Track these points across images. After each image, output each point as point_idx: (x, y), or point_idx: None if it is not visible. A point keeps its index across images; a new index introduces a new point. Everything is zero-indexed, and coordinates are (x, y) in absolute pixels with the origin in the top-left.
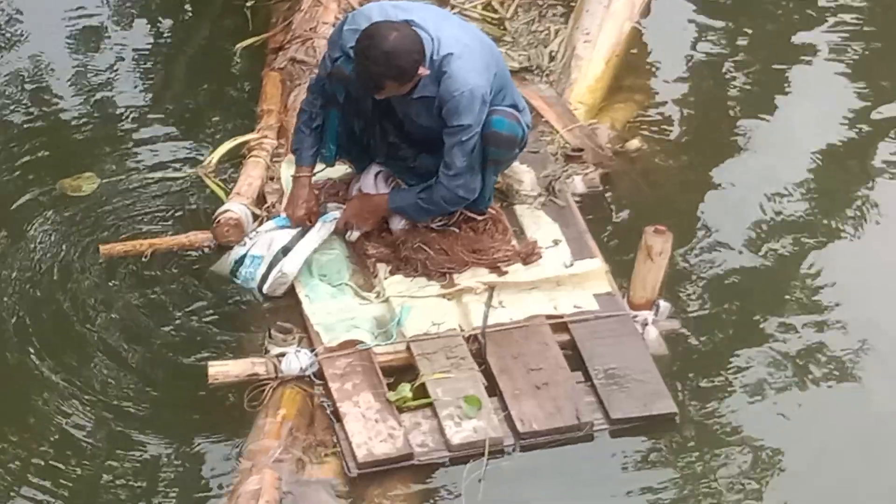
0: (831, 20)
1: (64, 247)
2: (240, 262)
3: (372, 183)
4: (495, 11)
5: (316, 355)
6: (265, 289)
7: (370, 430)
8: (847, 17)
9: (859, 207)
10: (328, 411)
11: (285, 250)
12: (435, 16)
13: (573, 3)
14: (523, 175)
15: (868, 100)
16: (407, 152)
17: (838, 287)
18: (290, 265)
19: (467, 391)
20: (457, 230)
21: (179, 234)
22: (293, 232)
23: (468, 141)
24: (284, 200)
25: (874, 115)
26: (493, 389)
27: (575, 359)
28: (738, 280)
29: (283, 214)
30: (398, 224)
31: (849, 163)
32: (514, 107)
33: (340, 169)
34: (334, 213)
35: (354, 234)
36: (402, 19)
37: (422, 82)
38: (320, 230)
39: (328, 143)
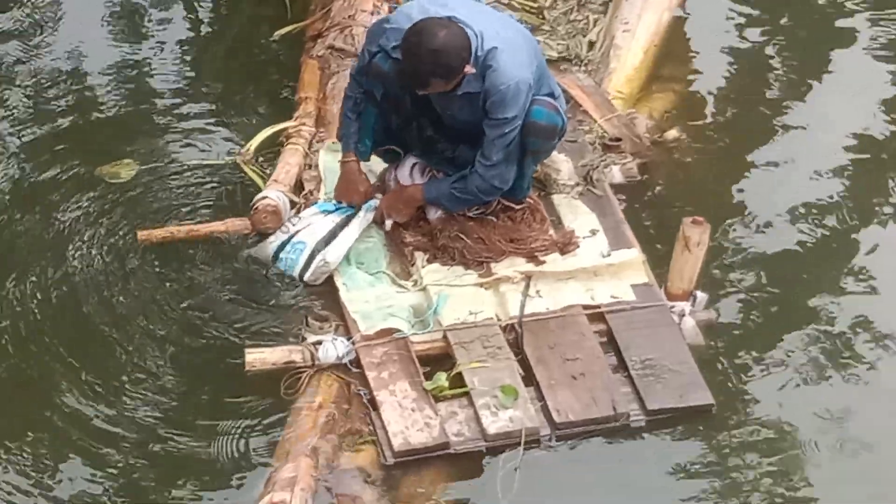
0: (872, 10)
1: (102, 232)
2: (281, 247)
3: (408, 174)
4: (534, 0)
5: (353, 343)
6: (307, 277)
7: (406, 419)
8: (888, 9)
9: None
10: (364, 399)
11: (328, 239)
12: (475, 11)
13: None
14: (561, 164)
15: None
16: (444, 146)
17: (880, 274)
18: (333, 254)
19: (504, 381)
20: (494, 219)
21: (217, 221)
22: (337, 219)
23: (510, 133)
24: (322, 188)
25: None
26: (529, 379)
27: (612, 349)
28: (777, 270)
29: (323, 200)
30: (435, 213)
31: (887, 151)
32: (551, 95)
33: (378, 162)
34: (374, 202)
35: (388, 224)
36: (443, 16)
37: (466, 79)
38: (362, 220)
39: (364, 139)
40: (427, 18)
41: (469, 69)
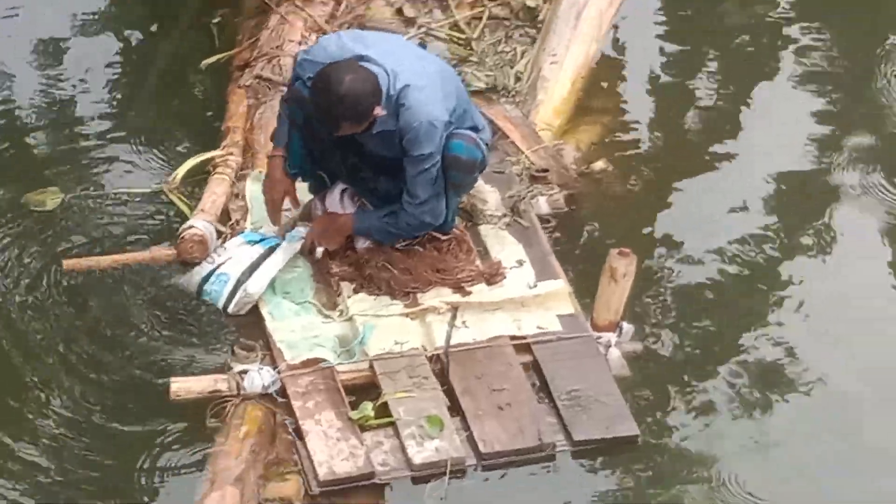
0: (798, 47)
1: (27, 261)
2: (206, 279)
3: (338, 200)
4: (462, 32)
5: (279, 373)
6: (231, 309)
7: (332, 449)
8: (813, 45)
9: (821, 229)
10: (290, 429)
11: (251, 270)
12: (393, 47)
13: (540, 24)
14: (488, 195)
15: (832, 126)
16: (367, 174)
17: (805, 305)
18: (255, 285)
19: (430, 411)
20: (421, 249)
21: (143, 250)
22: (261, 250)
23: (430, 169)
24: (249, 217)
25: (837, 141)
26: (455, 409)
27: (538, 380)
28: (704, 302)
29: (249, 230)
30: (363, 243)
31: (812, 185)
32: (474, 128)
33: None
34: (300, 232)
35: (319, 251)
36: (358, 53)
37: (381, 118)
38: (286, 249)
39: (292, 160)
40: (334, 63)
41: (379, 111)
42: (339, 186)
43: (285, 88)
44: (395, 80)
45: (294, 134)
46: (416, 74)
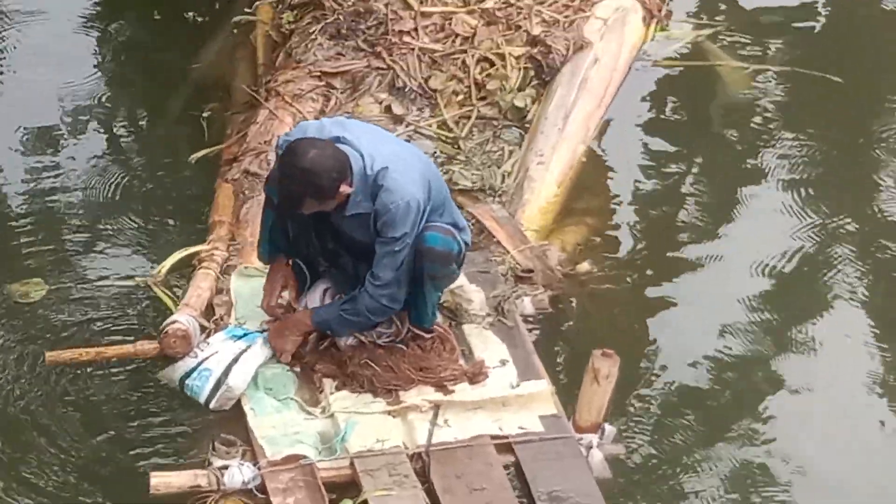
0: (784, 148)
1: (9, 353)
2: (188, 374)
3: (319, 299)
4: (450, 130)
5: (259, 469)
6: (213, 404)
7: None
8: (798, 146)
9: (809, 331)
10: None
11: (233, 364)
12: (371, 133)
13: (528, 125)
14: (472, 294)
15: (818, 227)
16: (346, 259)
17: (788, 408)
18: (236, 379)
19: None
20: (404, 347)
21: (127, 344)
22: (242, 345)
23: (400, 252)
24: (233, 313)
25: (823, 242)
26: None
27: (519, 480)
28: (686, 405)
29: (234, 325)
30: (346, 341)
31: (797, 286)
32: (454, 225)
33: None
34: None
35: (286, 357)
36: (334, 135)
37: (353, 200)
38: (265, 344)
39: (263, 241)
40: (301, 139)
41: (346, 189)
42: (322, 285)
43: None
44: (373, 162)
45: (268, 212)
46: (394, 158)
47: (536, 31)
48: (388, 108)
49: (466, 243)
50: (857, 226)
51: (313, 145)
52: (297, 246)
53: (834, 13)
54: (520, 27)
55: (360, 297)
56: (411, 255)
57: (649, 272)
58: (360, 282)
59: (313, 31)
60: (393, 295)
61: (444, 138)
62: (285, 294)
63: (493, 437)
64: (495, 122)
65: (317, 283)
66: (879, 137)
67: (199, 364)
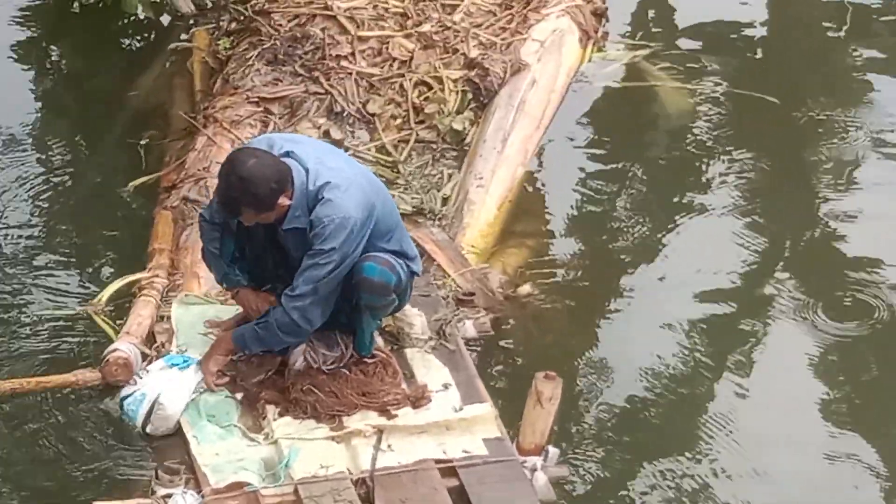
0: (724, 169)
1: None
2: (125, 399)
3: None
4: (389, 154)
5: (203, 497)
6: (149, 428)
7: None
8: (739, 168)
9: (748, 348)
10: None
11: (166, 387)
12: (322, 150)
13: (467, 148)
14: (414, 318)
15: (755, 250)
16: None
17: (728, 427)
18: (168, 398)
19: None
20: (347, 372)
21: (68, 373)
22: (179, 372)
23: (323, 266)
24: (174, 340)
25: (761, 266)
26: None
27: None
28: (629, 426)
29: (175, 352)
30: (297, 364)
31: (737, 304)
32: (401, 253)
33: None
34: None
35: (211, 378)
36: (285, 150)
37: (292, 214)
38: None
39: (229, 267)
40: (243, 148)
41: (284, 201)
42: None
43: (203, 212)
44: (317, 177)
45: (227, 239)
46: (339, 175)
47: (474, 53)
48: (327, 133)
49: (415, 273)
50: (795, 245)
51: (253, 155)
52: (257, 268)
53: (770, 32)
54: (457, 50)
55: (274, 311)
56: (348, 283)
57: (590, 293)
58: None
59: (250, 57)
60: (305, 310)
61: (383, 162)
62: None
63: (438, 461)
64: (434, 146)
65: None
66: (816, 158)
67: (136, 390)
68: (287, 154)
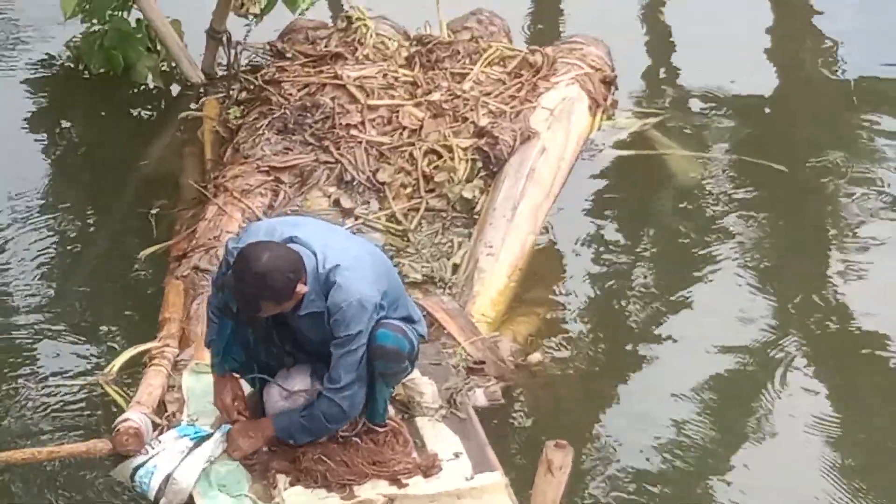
0: (731, 237)
1: None
2: (137, 469)
3: (310, 381)
4: (399, 223)
5: None
6: (162, 502)
7: None
8: (746, 235)
9: (763, 416)
10: None
11: (181, 461)
12: (323, 230)
13: (476, 216)
14: (424, 387)
15: (768, 322)
16: (305, 361)
17: (742, 497)
18: (182, 473)
19: None
20: (358, 441)
21: (79, 443)
22: (191, 443)
23: (356, 351)
24: (185, 410)
25: (773, 338)
26: None
27: None
28: (640, 494)
29: (185, 422)
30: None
31: (750, 373)
32: (409, 318)
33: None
34: (226, 427)
35: (238, 454)
36: (287, 236)
37: (308, 298)
38: (217, 441)
39: (218, 353)
40: (253, 243)
41: (302, 288)
42: (307, 368)
43: (210, 282)
44: (325, 259)
45: (226, 322)
46: (346, 255)
47: (483, 122)
48: (337, 202)
49: (422, 335)
50: (806, 312)
51: (267, 248)
52: (257, 353)
53: (779, 99)
54: (466, 119)
55: (319, 402)
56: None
57: (601, 361)
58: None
59: (260, 126)
60: (353, 397)
61: (393, 231)
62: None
63: None
64: (444, 214)
65: (301, 366)
66: (824, 225)
67: (149, 460)
68: (291, 239)
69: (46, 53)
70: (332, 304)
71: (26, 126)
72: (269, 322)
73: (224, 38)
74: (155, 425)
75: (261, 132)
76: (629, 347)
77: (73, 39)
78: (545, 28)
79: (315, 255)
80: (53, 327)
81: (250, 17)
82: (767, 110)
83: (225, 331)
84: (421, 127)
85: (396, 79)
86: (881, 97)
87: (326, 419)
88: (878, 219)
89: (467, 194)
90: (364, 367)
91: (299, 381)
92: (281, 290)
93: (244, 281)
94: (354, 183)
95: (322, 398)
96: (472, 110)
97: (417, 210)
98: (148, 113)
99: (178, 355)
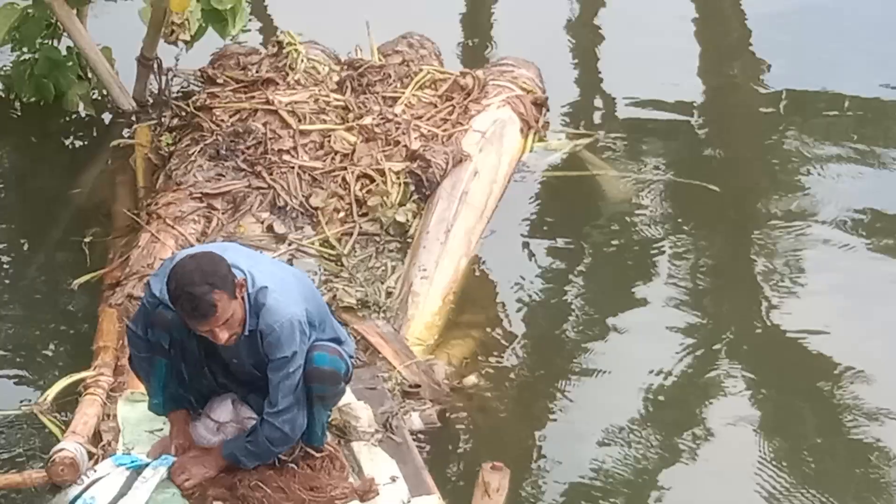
0: (665, 258)
1: None
2: (74, 501)
3: (230, 412)
4: (332, 248)
5: None
6: None
7: None
8: (679, 256)
9: (696, 439)
10: None
11: (120, 495)
12: (247, 255)
13: (410, 240)
14: (360, 411)
15: (701, 335)
16: (238, 391)
17: None
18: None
19: None
20: (294, 467)
21: (14, 473)
22: (127, 473)
23: (293, 374)
24: (120, 439)
25: (706, 350)
26: None
27: None
28: None
29: (121, 451)
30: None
31: (684, 394)
32: (337, 340)
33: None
34: (168, 458)
35: (187, 484)
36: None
37: (247, 314)
38: (156, 474)
39: (157, 394)
40: (184, 255)
41: (241, 278)
42: (228, 397)
43: (131, 325)
44: (254, 279)
45: (159, 361)
46: (272, 277)
47: (415, 145)
48: (270, 228)
49: (350, 356)
50: (739, 330)
51: (189, 255)
52: (193, 385)
53: (711, 120)
54: (399, 142)
55: (261, 427)
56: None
57: (536, 383)
58: (255, 411)
59: (192, 153)
60: (293, 420)
61: (326, 256)
62: None
63: None
64: (377, 238)
65: (223, 395)
66: (758, 245)
67: (86, 490)
68: None
69: None
70: (265, 326)
71: None
72: (200, 354)
73: (155, 65)
74: (90, 455)
75: (193, 159)
76: (564, 368)
77: (4, 68)
78: (476, 50)
79: (245, 273)
80: None
81: (181, 44)
82: (699, 129)
83: (160, 371)
84: (353, 151)
85: (328, 103)
86: (810, 113)
87: (271, 443)
88: (807, 236)
89: (400, 218)
90: (302, 390)
91: (224, 412)
92: (225, 276)
93: (189, 283)
94: (287, 208)
95: (264, 423)
96: (404, 134)
97: (351, 234)
98: (80, 141)
99: (112, 384)
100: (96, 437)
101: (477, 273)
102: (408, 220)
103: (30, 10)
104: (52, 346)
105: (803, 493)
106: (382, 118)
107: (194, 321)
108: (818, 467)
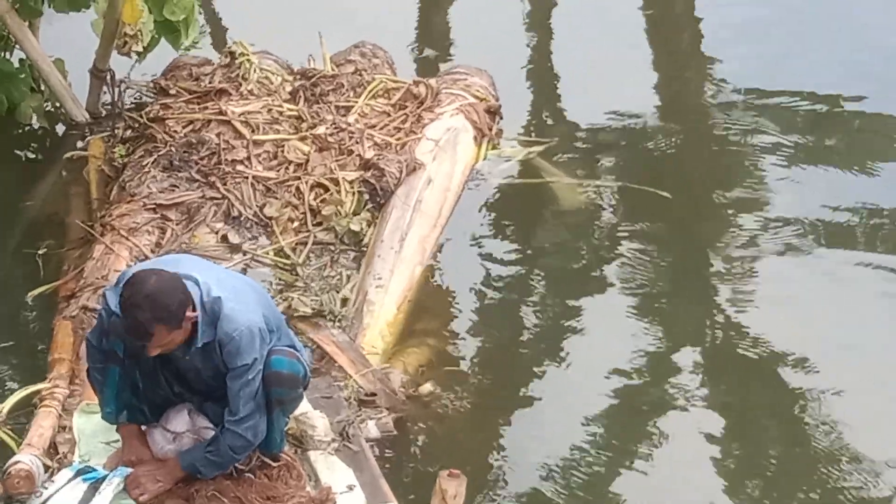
0: (619, 263)
1: None
2: None
3: (186, 423)
4: (287, 257)
5: None
6: None
7: None
8: (633, 262)
9: (655, 443)
10: None
11: None
12: (202, 265)
13: (365, 248)
14: (316, 420)
15: (657, 342)
16: (194, 400)
17: None
18: None
19: None
20: (252, 476)
21: None
22: (84, 486)
23: (253, 381)
24: (76, 450)
25: (663, 357)
26: None
27: None
28: None
29: (77, 462)
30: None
31: (642, 399)
32: (292, 346)
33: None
34: (124, 469)
35: (144, 497)
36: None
37: (199, 328)
38: (114, 486)
39: (109, 402)
40: (138, 270)
41: (191, 313)
42: (185, 407)
43: (90, 337)
44: (209, 290)
45: (113, 369)
46: (227, 286)
47: (369, 154)
48: (225, 238)
49: (307, 363)
50: (695, 335)
51: (154, 273)
52: (147, 395)
53: (664, 126)
54: (352, 151)
55: (223, 436)
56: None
57: (493, 390)
58: (211, 420)
59: (146, 164)
60: (255, 427)
61: (281, 265)
62: None
63: None
64: (332, 247)
65: (178, 406)
66: (710, 249)
67: (44, 503)
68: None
69: None
70: (224, 335)
71: None
72: (156, 363)
73: (108, 77)
74: (46, 467)
75: (146, 170)
76: (521, 374)
77: None
78: (429, 59)
79: (198, 284)
80: None
81: (133, 56)
82: (652, 135)
83: (113, 379)
84: (307, 161)
85: (281, 113)
86: (765, 119)
87: (233, 451)
88: (762, 242)
89: (355, 227)
90: (262, 398)
91: (180, 423)
92: (174, 311)
93: (136, 305)
94: (242, 218)
95: (226, 432)
96: (357, 143)
97: (305, 244)
98: (33, 153)
99: (67, 396)
100: (52, 450)
101: (432, 281)
102: (362, 229)
103: None
104: (6, 359)
105: (761, 499)
106: (336, 128)
107: (127, 336)
108: (776, 473)
